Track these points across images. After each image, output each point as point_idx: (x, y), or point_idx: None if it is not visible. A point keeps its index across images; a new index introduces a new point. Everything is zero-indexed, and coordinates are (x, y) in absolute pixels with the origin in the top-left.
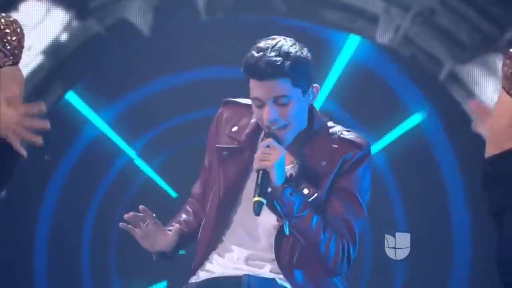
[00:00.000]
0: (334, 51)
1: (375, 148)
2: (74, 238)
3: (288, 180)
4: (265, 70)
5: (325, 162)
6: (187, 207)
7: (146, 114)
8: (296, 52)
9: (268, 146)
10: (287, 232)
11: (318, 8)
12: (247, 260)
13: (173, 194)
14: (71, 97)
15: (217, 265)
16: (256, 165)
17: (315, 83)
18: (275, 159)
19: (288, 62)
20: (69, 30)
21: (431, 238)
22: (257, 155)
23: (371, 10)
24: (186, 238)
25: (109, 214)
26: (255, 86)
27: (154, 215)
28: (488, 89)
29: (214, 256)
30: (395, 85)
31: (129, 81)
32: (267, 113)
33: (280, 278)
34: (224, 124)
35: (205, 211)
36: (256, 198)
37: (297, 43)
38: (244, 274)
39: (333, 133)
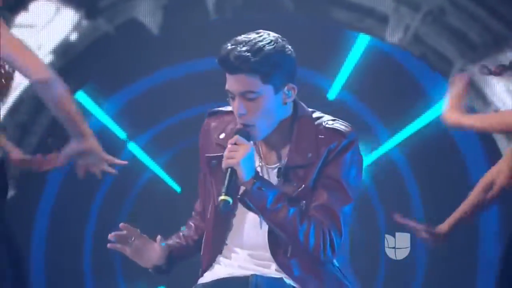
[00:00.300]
0: (349, 43)
1: (393, 141)
2: (75, 237)
3: (258, 174)
4: (233, 64)
5: (311, 154)
6: (189, 222)
7: (154, 111)
8: (273, 48)
9: (235, 144)
10: (260, 226)
11: (327, 7)
12: (253, 260)
13: (177, 188)
14: (81, 96)
15: (224, 266)
16: (223, 164)
17: (293, 83)
18: (241, 156)
19: (256, 59)
20: (78, 29)
21: (453, 238)
22: (225, 154)
23: (381, 10)
24: (184, 251)
25: (113, 212)
26: (227, 79)
27: (138, 230)
28: (497, 89)
29: (221, 259)
30: (416, 74)
31: (139, 80)
32: (236, 107)
33: (286, 277)
34: (212, 134)
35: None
36: (222, 197)
37: (280, 40)
38: (252, 274)
39: (318, 124)
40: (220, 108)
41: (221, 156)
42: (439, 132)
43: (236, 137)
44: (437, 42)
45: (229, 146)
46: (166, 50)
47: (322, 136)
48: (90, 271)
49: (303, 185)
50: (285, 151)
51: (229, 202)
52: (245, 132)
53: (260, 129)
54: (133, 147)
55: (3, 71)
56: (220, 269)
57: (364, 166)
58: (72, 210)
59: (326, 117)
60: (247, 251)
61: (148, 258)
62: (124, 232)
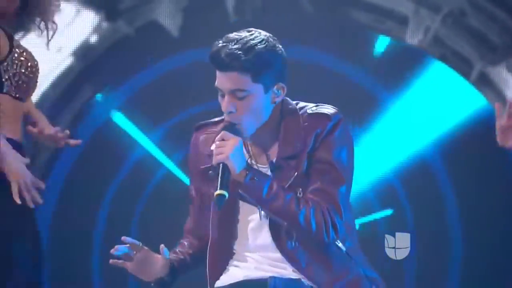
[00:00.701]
0: (369, 44)
1: (428, 139)
2: (82, 240)
3: (249, 166)
4: (224, 61)
5: (299, 143)
6: (181, 241)
7: (169, 105)
8: (264, 47)
9: (222, 140)
10: (260, 218)
11: (346, 9)
12: (266, 260)
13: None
14: (101, 99)
15: (240, 268)
16: (213, 160)
17: (283, 82)
18: (229, 150)
19: (247, 57)
20: (98, 31)
21: (492, 242)
22: (214, 151)
23: (400, 11)
24: (183, 264)
25: (124, 213)
26: (217, 76)
27: (140, 243)
28: None
29: (235, 262)
30: None
31: (159, 83)
32: (225, 105)
33: (304, 278)
34: (203, 147)
35: (200, 241)
36: (217, 192)
37: (271, 39)
38: (270, 276)
39: (303, 113)
40: (206, 121)
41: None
42: (480, 128)
43: (223, 132)
44: (457, 44)
45: (216, 142)
46: (186, 51)
47: (307, 123)
48: (98, 279)
49: (296, 173)
50: (275, 149)
51: (224, 196)
52: (232, 128)
53: (247, 127)
54: (119, 118)
55: (30, 64)
56: (237, 272)
57: (393, 165)
58: (78, 210)
59: (310, 105)
60: (258, 253)
61: (150, 270)
62: (128, 245)
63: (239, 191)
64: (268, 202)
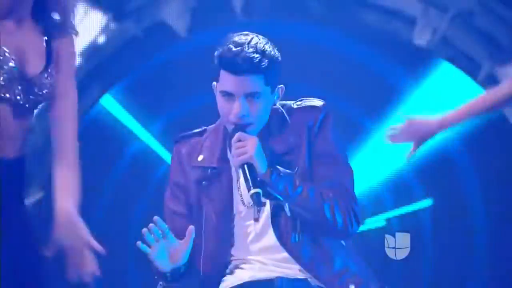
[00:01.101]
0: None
1: (435, 139)
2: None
3: (270, 163)
4: (241, 66)
5: (292, 137)
6: None
7: (169, 96)
8: (270, 51)
9: (240, 140)
10: (288, 214)
11: (355, 10)
12: (270, 261)
13: None
14: (107, 100)
15: (244, 270)
16: (236, 162)
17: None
18: (252, 149)
19: (266, 60)
20: (106, 32)
21: None
22: (233, 152)
23: (409, 12)
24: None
25: (123, 214)
26: (228, 80)
27: (167, 228)
28: None
29: (241, 265)
30: None
31: (166, 83)
32: (238, 108)
33: (310, 278)
34: (187, 160)
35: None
36: (252, 191)
37: (269, 42)
38: (277, 277)
39: (288, 109)
40: (185, 133)
41: (210, 175)
42: (486, 129)
43: (239, 133)
44: (465, 44)
45: (234, 144)
46: (193, 52)
47: (296, 117)
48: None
49: (298, 168)
50: (267, 148)
51: (259, 194)
52: (243, 130)
53: (254, 129)
54: (107, 101)
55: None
56: (243, 273)
57: (413, 159)
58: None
59: (290, 102)
60: (262, 256)
61: (171, 258)
62: (157, 227)
63: (267, 188)
64: (295, 197)
